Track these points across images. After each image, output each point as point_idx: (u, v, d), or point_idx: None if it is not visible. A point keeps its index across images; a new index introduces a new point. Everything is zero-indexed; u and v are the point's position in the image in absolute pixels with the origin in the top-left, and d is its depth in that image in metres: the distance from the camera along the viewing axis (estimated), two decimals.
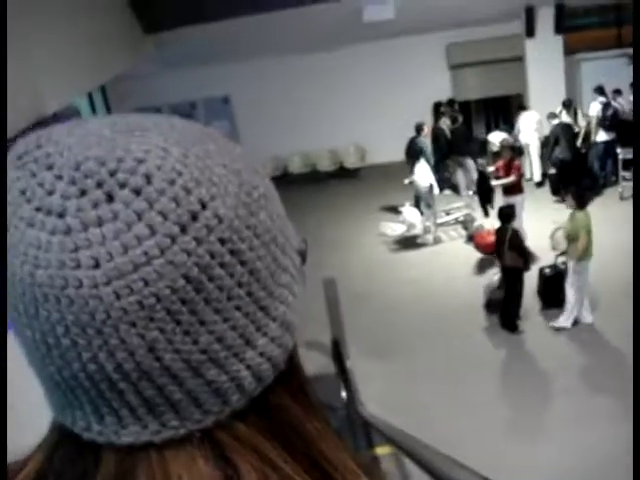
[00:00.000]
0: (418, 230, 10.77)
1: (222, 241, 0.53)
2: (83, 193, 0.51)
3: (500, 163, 10.02)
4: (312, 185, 14.33)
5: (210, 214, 0.52)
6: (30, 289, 0.52)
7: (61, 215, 0.51)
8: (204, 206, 0.52)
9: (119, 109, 14.35)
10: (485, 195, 10.15)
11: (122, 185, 0.51)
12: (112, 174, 0.51)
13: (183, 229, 0.51)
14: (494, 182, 9.90)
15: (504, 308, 8.10)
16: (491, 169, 10.35)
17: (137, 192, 0.51)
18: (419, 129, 11.73)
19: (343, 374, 5.63)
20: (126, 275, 0.50)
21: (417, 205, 11.20)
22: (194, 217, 0.52)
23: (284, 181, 13.54)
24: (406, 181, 10.90)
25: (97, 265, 0.50)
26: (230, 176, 0.55)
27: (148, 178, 0.51)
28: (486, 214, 10.03)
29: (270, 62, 14.18)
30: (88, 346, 0.52)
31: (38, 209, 0.51)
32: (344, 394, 5.51)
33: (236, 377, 0.55)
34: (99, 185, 0.51)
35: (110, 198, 0.51)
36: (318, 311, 5.54)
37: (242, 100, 14.84)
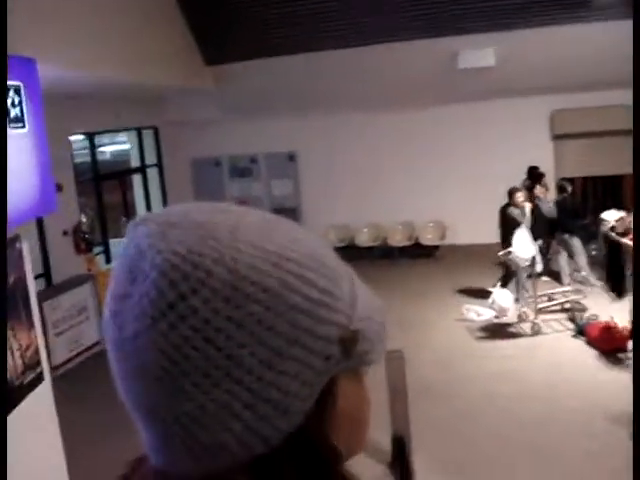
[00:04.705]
0: (511, 317, 8.55)
1: (194, 329, 0.61)
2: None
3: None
4: (382, 260, 12.31)
5: (185, 306, 0.61)
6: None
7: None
8: (183, 298, 0.61)
9: (173, 156, 12.85)
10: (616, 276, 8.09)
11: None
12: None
13: (162, 314, 0.61)
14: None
15: None
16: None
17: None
18: (512, 193, 9.44)
19: None
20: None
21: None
22: (170, 307, 0.61)
23: (351, 253, 11.42)
24: (501, 253, 8.68)
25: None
26: (223, 274, 0.62)
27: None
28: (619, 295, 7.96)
29: (345, 118, 12.48)
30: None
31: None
32: None
33: (223, 443, 0.63)
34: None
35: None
36: (379, 404, 3.60)
37: (309, 159, 13.09)
